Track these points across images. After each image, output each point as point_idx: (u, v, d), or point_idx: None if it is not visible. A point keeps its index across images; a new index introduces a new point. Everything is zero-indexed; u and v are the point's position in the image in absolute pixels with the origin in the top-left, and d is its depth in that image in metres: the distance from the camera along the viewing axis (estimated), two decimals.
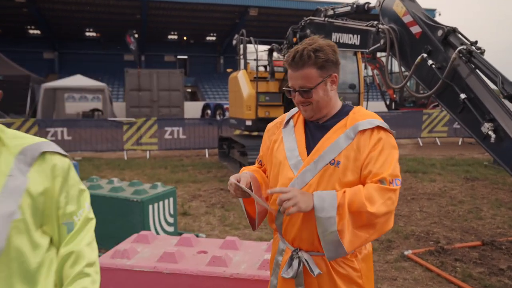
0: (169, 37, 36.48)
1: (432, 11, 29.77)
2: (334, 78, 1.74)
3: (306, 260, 1.70)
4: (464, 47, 4.21)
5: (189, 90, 34.78)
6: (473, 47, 4.21)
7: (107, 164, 10.26)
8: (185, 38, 36.71)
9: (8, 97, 12.32)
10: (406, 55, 5.12)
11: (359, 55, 8.90)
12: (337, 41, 6.61)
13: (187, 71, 36.05)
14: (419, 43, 4.86)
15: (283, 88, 1.81)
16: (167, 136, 11.91)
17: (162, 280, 2.53)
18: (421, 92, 5.01)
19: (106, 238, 4.50)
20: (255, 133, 9.66)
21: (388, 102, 18.46)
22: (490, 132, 3.85)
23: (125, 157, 11.49)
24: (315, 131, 1.79)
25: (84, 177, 8.43)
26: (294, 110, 1.94)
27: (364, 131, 1.68)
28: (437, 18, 22.32)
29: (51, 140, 8.63)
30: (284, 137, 1.86)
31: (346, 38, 6.38)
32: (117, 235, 4.42)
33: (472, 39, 4.32)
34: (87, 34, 34.56)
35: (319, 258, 1.71)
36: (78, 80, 19.23)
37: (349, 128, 1.70)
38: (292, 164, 1.76)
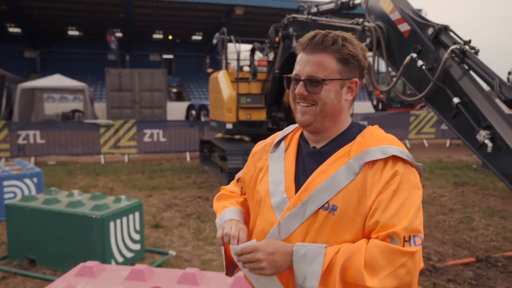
0: (154, 36, 35.86)
1: (418, 11, 29.62)
2: (354, 85, 1.31)
3: None
4: (457, 46, 3.83)
5: (175, 90, 34.23)
6: (467, 47, 3.84)
7: (82, 169, 9.73)
8: (170, 37, 36.13)
9: None
10: (393, 55, 4.75)
11: None
12: None
13: (173, 71, 35.46)
14: (408, 42, 4.49)
15: (286, 75, 1.37)
16: (146, 139, 11.41)
17: None
18: (409, 94, 4.65)
19: (63, 259, 4.06)
20: (237, 137, 9.23)
21: (375, 103, 18.19)
22: (486, 141, 3.48)
23: (102, 161, 10.96)
24: (308, 158, 1.33)
25: (55, 184, 7.92)
26: (289, 128, 1.48)
27: (373, 162, 1.22)
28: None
29: (23, 144, 8.00)
30: (270, 165, 1.40)
31: None
32: (75, 255, 3.97)
33: (466, 39, 3.96)
34: (70, 32, 33.76)
35: None
36: (57, 80, 18.56)
37: (353, 157, 1.24)
38: (275, 203, 1.30)
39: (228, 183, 7.42)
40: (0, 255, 4.50)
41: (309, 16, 6.49)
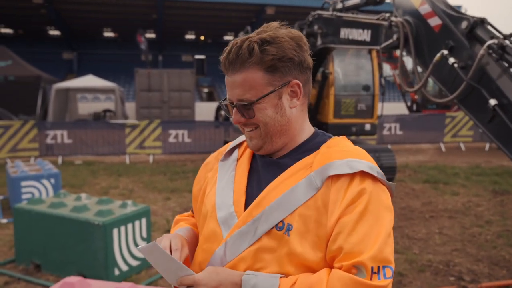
0: (186, 36, 36.16)
1: (457, 8, 28.46)
2: (295, 88, 1.10)
3: None
4: (495, 41, 3.40)
5: (206, 90, 34.37)
6: (507, 41, 3.41)
7: (105, 170, 9.72)
8: (202, 37, 36.32)
9: (18, 98, 12.16)
10: (422, 52, 4.33)
11: (374, 53, 8.11)
12: (346, 37, 5.88)
13: (205, 71, 35.62)
14: (438, 38, 4.07)
15: (220, 102, 1.18)
16: (171, 139, 11.32)
17: None
18: (445, 94, 4.23)
19: (66, 266, 3.90)
20: None
21: (409, 104, 17.50)
22: None
23: (127, 161, 10.95)
24: (264, 169, 1.15)
25: (77, 184, 7.93)
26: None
27: (338, 177, 1.04)
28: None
29: (51, 144, 8.07)
30: (219, 175, 1.21)
31: (355, 33, 5.62)
32: (78, 262, 3.82)
33: (507, 32, 3.52)
34: (105, 34, 34.48)
35: None
36: (90, 81, 18.89)
37: (315, 170, 1.06)
38: (221, 218, 1.11)
39: None
40: (8, 259, 4.41)
41: (334, 13, 6.14)
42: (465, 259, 4.40)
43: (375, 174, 1.05)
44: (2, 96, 17.05)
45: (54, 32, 33.16)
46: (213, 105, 24.37)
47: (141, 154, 11.35)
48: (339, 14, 6.08)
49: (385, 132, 12.55)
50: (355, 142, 8.02)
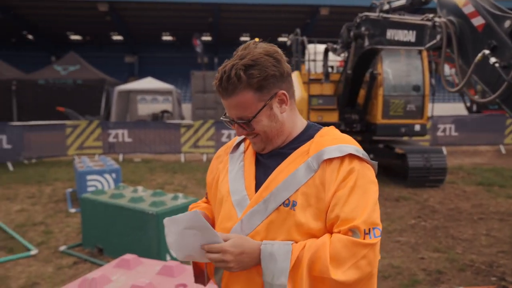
0: (241, 39, 36.79)
1: None
2: (282, 97, 1.31)
3: None
4: None
5: None
6: None
7: (162, 167, 10.32)
8: (257, 39, 36.39)
9: (85, 100, 13.22)
10: (466, 52, 4.33)
11: (425, 53, 8.01)
12: (392, 38, 5.93)
13: None
14: (482, 38, 4.07)
15: (221, 118, 1.41)
16: (224, 139, 11.74)
17: None
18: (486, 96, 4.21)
19: (124, 250, 4.30)
20: None
21: (468, 104, 16.82)
22: None
23: (182, 160, 11.52)
24: (268, 159, 1.37)
25: (135, 180, 8.52)
26: None
27: (331, 160, 1.26)
28: None
29: (113, 142, 8.78)
30: (229, 166, 1.44)
31: (401, 34, 5.67)
32: (134, 248, 4.20)
33: None
34: (164, 38, 35.98)
35: None
36: (149, 83, 19.90)
37: (311, 156, 1.28)
38: (235, 201, 1.34)
39: None
40: (76, 243, 4.94)
41: (380, 14, 6.20)
42: (511, 261, 4.34)
43: (360, 155, 1.26)
44: (71, 98, 18.44)
45: (117, 38, 35.10)
46: None
47: (195, 153, 11.88)
48: (385, 15, 6.14)
49: (439, 133, 12.21)
50: (406, 144, 8.01)
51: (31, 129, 11.04)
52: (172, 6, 27.39)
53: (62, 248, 4.76)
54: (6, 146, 10.17)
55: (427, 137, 11.63)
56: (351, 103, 8.30)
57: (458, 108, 18.93)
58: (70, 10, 27.42)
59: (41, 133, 11.17)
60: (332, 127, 1.39)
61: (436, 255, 4.50)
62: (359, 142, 7.16)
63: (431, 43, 4.78)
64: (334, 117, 8.17)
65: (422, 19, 4.93)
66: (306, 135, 1.36)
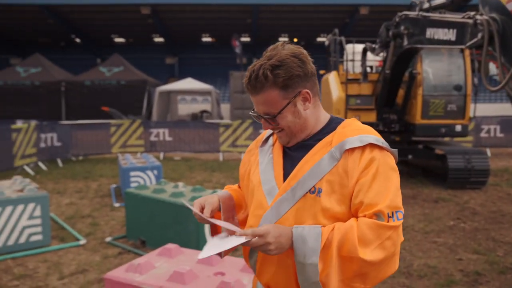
0: (280, 39, 36.84)
1: None
2: (305, 95, 1.41)
3: None
4: None
5: None
6: None
7: (201, 165, 10.59)
8: (295, 40, 36.77)
9: (128, 100, 13.81)
10: (509, 50, 4.25)
11: (467, 51, 7.81)
12: (432, 37, 5.87)
13: None
14: None
15: (250, 112, 1.52)
16: None
17: None
18: None
19: (165, 242, 4.51)
20: None
21: None
22: None
23: (221, 159, 11.76)
24: (295, 151, 1.47)
25: (175, 177, 8.80)
26: None
27: (353, 150, 1.35)
28: None
29: (154, 141, 9.17)
30: (260, 158, 1.57)
31: (441, 33, 5.60)
32: (175, 240, 4.38)
33: None
34: (203, 39, 36.64)
35: None
36: (188, 83, 20.40)
37: (334, 146, 1.37)
38: (266, 190, 1.46)
39: None
40: (121, 235, 5.21)
41: (420, 13, 6.13)
42: None
43: (380, 144, 1.34)
44: (115, 98, 19.19)
45: (158, 39, 36.09)
46: None
47: (234, 152, 12.10)
48: (425, 14, 6.06)
49: (483, 134, 11.84)
50: (446, 144, 7.83)
51: (78, 127, 11.64)
52: (212, 7, 27.88)
53: (108, 239, 5.04)
54: (56, 143, 10.76)
55: (470, 138, 11.31)
56: (390, 103, 8.22)
57: (506, 109, 18.18)
58: (115, 14, 28.50)
59: (87, 132, 11.76)
60: (353, 119, 1.48)
61: (475, 257, 4.43)
62: (398, 142, 7.17)
63: (472, 41, 4.71)
64: (371, 117, 8.11)
65: (463, 17, 4.86)
66: (330, 128, 1.45)
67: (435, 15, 5.88)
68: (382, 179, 1.30)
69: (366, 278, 1.28)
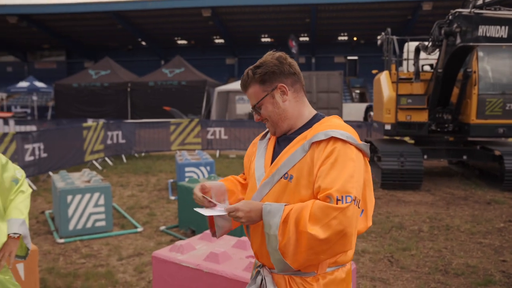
0: (339, 38, 36.48)
1: None
2: (282, 88, 1.67)
3: (264, 278, 1.66)
4: None
5: (358, 91, 34.20)
6: None
7: None
8: (355, 38, 36.20)
9: (188, 100, 14.56)
10: None
11: None
12: (484, 34, 5.77)
13: (357, 72, 35.58)
14: None
15: (250, 110, 1.84)
16: None
17: (201, 278, 2.66)
18: None
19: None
20: (398, 138, 9.01)
21: None
22: None
23: None
24: (281, 143, 1.75)
25: (228, 173, 9.18)
26: None
27: (319, 143, 1.57)
28: None
29: (211, 139, 9.71)
30: (258, 150, 1.86)
31: (493, 30, 5.51)
32: None
33: None
34: (262, 40, 37.14)
35: (280, 276, 1.63)
36: None
37: (307, 140, 1.61)
38: (257, 176, 1.75)
39: (382, 184, 7.65)
40: (174, 224, 5.66)
41: (472, 10, 6.02)
42: None
43: (344, 138, 1.53)
44: (176, 98, 20.15)
45: (219, 41, 37.13)
46: (362, 106, 24.33)
47: None
48: (477, 11, 5.95)
49: None
50: (504, 145, 7.63)
51: (141, 126, 12.46)
52: (270, 8, 28.24)
53: (162, 228, 5.50)
54: (121, 141, 11.62)
55: None
56: (443, 102, 8.05)
57: None
58: (178, 17, 29.77)
59: (149, 130, 12.55)
60: (334, 116, 1.71)
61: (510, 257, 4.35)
62: (451, 142, 7.17)
63: None
64: (423, 116, 7.98)
65: None
66: (310, 123, 1.67)
67: (488, 12, 5.76)
68: (339, 167, 1.49)
69: (317, 252, 1.46)
